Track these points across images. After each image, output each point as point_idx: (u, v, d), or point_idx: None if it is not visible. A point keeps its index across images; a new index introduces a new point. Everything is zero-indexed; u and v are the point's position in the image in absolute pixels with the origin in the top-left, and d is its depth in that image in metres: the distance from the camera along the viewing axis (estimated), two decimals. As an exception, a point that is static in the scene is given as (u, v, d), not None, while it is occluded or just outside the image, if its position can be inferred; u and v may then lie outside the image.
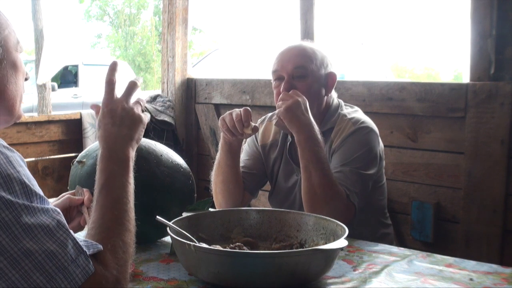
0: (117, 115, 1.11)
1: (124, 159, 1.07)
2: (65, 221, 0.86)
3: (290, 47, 1.81)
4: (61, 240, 0.83)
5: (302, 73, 1.74)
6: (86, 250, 0.86)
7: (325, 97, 1.82)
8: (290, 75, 1.74)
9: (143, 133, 1.16)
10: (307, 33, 2.84)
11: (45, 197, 0.87)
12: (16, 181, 0.82)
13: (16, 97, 1.00)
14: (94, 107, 1.19)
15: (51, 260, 0.81)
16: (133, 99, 1.17)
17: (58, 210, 0.87)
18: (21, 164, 0.86)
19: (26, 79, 1.05)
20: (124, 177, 1.05)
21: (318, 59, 1.78)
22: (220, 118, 1.66)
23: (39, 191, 0.86)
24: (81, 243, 0.86)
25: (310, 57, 1.77)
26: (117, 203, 1.01)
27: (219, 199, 1.84)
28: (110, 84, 1.13)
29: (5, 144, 0.87)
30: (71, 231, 0.86)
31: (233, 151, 1.75)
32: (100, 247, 0.90)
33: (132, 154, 1.10)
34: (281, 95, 1.68)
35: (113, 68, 1.15)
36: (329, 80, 1.80)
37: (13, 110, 1.01)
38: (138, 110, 1.15)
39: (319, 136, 1.63)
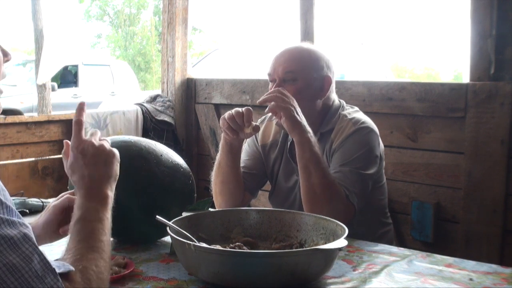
0: (89, 154, 1.07)
1: (103, 198, 1.04)
2: (33, 236, 0.81)
3: (285, 50, 1.83)
4: (26, 254, 0.77)
5: (292, 77, 1.76)
6: (56, 269, 0.81)
7: (319, 100, 1.82)
8: (281, 79, 1.78)
9: (119, 169, 1.12)
10: (307, 33, 2.84)
11: (15, 209, 0.82)
12: None
13: None
14: (67, 143, 1.15)
15: (13, 275, 0.74)
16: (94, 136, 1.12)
17: (27, 224, 0.82)
18: None
19: (7, 60, 0.97)
20: (102, 212, 1.02)
21: (313, 62, 1.79)
22: (221, 117, 1.68)
23: (9, 202, 0.81)
24: (51, 262, 0.81)
25: (301, 61, 1.78)
26: (92, 234, 0.97)
27: (219, 199, 1.84)
28: (78, 124, 1.09)
29: None
30: (39, 247, 0.80)
31: (234, 151, 1.76)
32: (72, 268, 0.85)
33: (111, 194, 1.07)
34: (271, 91, 1.70)
35: (81, 108, 1.10)
36: (324, 84, 1.81)
37: None
38: (108, 146, 1.11)
39: (315, 137, 1.66)
